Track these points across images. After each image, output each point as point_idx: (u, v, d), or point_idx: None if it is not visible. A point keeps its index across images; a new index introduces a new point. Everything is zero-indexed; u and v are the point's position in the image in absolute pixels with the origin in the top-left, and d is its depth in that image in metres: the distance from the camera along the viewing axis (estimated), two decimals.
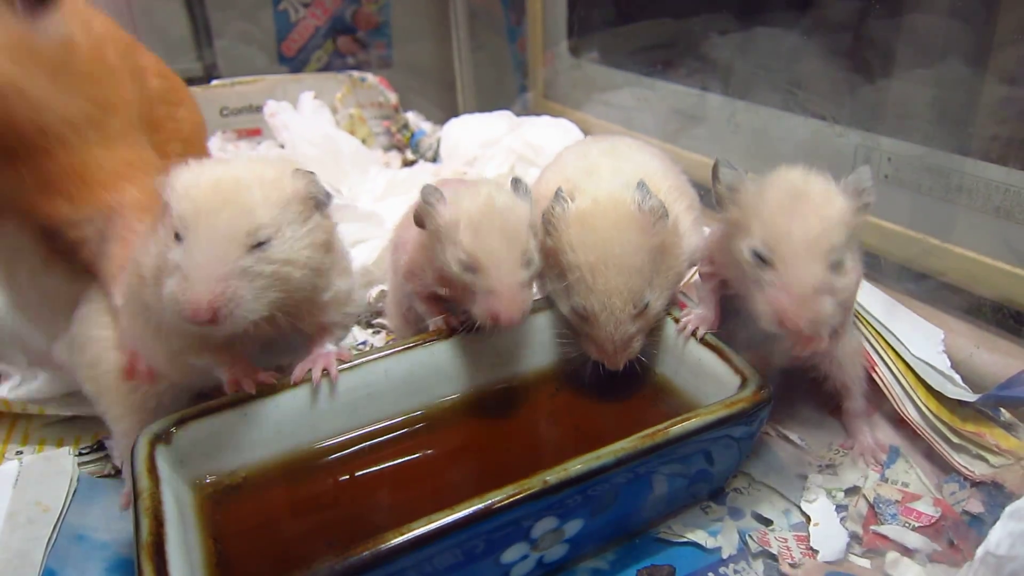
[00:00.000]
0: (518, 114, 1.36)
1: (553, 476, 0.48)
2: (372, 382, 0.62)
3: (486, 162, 1.16)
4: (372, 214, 0.86)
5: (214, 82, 1.32)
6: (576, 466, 0.48)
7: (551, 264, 0.64)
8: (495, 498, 0.47)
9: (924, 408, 0.61)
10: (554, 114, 1.57)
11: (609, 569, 0.54)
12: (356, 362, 0.61)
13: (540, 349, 0.67)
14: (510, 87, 1.82)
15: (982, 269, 0.86)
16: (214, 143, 1.25)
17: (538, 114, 1.58)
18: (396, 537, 0.45)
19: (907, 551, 0.54)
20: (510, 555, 0.50)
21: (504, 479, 0.48)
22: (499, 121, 1.21)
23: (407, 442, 0.61)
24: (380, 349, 0.63)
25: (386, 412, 0.62)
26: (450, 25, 1.76)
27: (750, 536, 0.56)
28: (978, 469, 0.58)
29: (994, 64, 0.90)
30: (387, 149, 1.41)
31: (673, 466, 0.55)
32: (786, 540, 0.55)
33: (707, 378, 0.60)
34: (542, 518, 0.49)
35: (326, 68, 1.70)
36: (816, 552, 0.54)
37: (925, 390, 0.62)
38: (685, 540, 0.56)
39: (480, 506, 0.46)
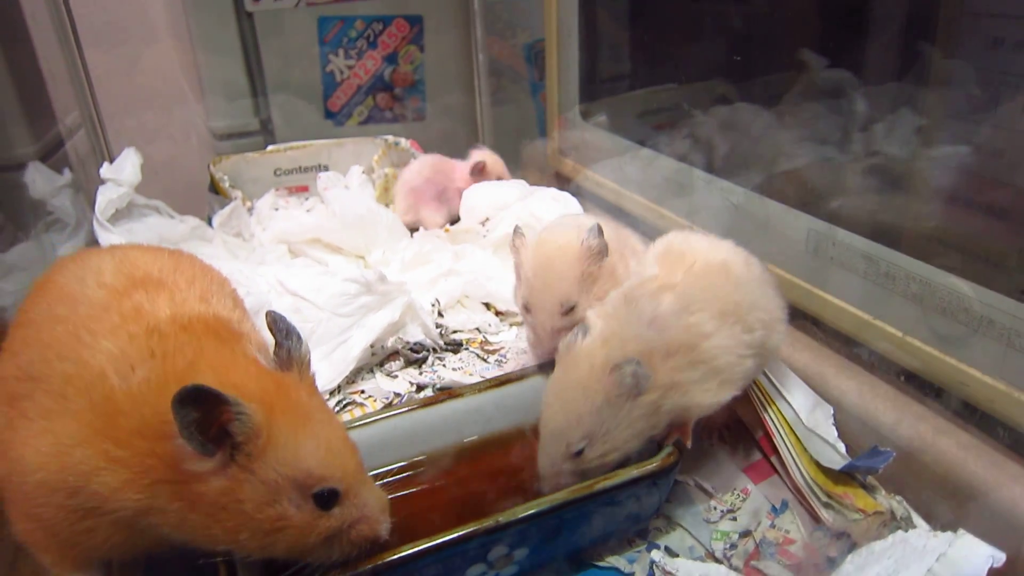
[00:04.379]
0: (533, 181, 1.55)
1: (503, 517, 0.67)
2: (384, 434, 0.82)
3: (497, 223, 1.35)
4: (400, 284, 1.07)
5: (269, 147, 1.55)
6: (520, 511, 0.68)
7: (517, 273, 0.90)
8: (461, 531, 0.66)
9: (805, 473, 0.79)
10: (566, 169, 1.76)
11: None
12: (372, 419, 0.82)
13: (514, 413, 0.87)
14: (533, 140, 2.01)
15: (902, 344, 1.02)
16: (267, 199, 1.47)
17: (553, 170, 1.78)
18: (392, 555, 0.65)
19: None
20: (473, 571, 0.69)
21: (479, 512, 0.68)
22: (512, 189, 1.41)
23: (409, 482, 0.82)
24: (390, 409, 0.83)
25: (394, 458, 0.82)
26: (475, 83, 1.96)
27: (656, 565, 0.74)
28: (837, 522, 0.75)
29: (917, 173, 1.06)
30: None
31: (602, 510, 0.74)
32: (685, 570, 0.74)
33: None
34: (496, 546, 0.68)
35: (366, 121, 1.91)
36: None
37: (808, 458, 0.80)
38: (609, 566, 0.75)
39: (450, 537, 0.66)
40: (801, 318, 1.18)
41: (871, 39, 1.17)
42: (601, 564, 0.75)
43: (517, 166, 1.78)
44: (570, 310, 0.84)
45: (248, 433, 0.58)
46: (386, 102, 1.93)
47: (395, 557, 0.64)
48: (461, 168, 1.50)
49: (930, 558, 0.66)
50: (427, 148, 1.70)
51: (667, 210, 1.47)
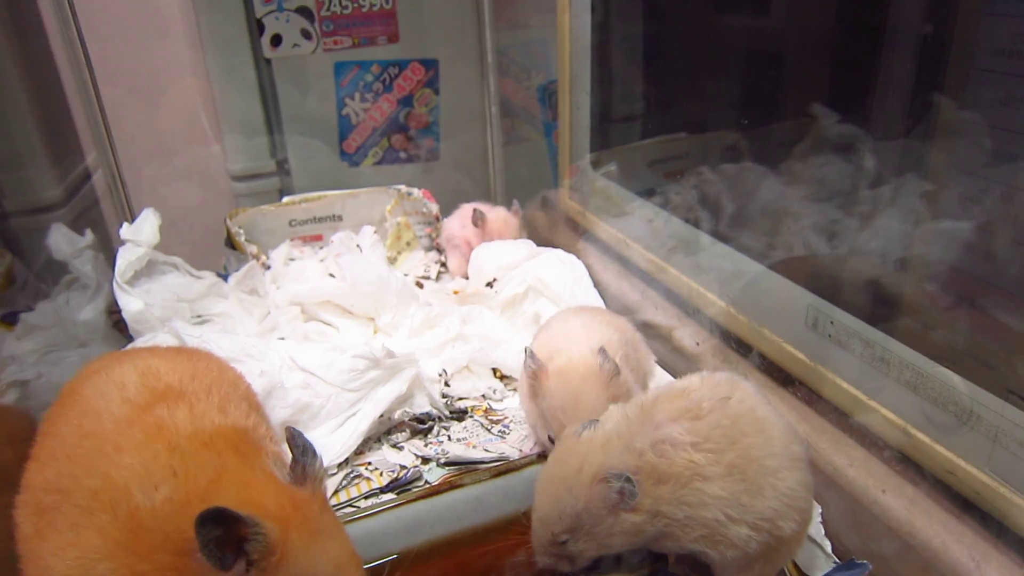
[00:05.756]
0: (538, 243, 1.57)
1: None
2: (388, 525, 0.86)
3: (505, 283, 1.39)
4: (408, 355, 1.11)
5: (284, 199, 1.59)
6: None
7: (535, 403, 0.89)
8: None
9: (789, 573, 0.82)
10: (578, 218, 1.79)
11: None
12: (377, 510, 0.86)
13: (512, 501, 0.90)
14: (546, 179, 2.04)
15: (895, 426, 1.04)
16: (282, 250, 1.52)
17: (562, 213, 1.80)
18: None
19: None
20: None
21: None
22: (520, 248, 1.44)
23: (410, 568, 0.86)
24: (394, 500, 0.87)
25: (397, 547, 0.86)
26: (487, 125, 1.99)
27: None
28: None
29: (914, 264, 1.09)
30: (428, 250, 1.66)
31: None
32: None
33: None
34: None
35: (381, 162, 1.95)
36: None
37: (792, 564, 0.83)
38: None
39: None
40: (796, 385, 1.21)
41: (884, 95, 1.19)
42: None
43: (530, 206, 1.81)
44: None
45: (264, 551, 0.62)
46: (401, 143, 1.96)
47: None
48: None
49: None
50: (440, 189, 1.74)
51: (672, 268, 1.50)
